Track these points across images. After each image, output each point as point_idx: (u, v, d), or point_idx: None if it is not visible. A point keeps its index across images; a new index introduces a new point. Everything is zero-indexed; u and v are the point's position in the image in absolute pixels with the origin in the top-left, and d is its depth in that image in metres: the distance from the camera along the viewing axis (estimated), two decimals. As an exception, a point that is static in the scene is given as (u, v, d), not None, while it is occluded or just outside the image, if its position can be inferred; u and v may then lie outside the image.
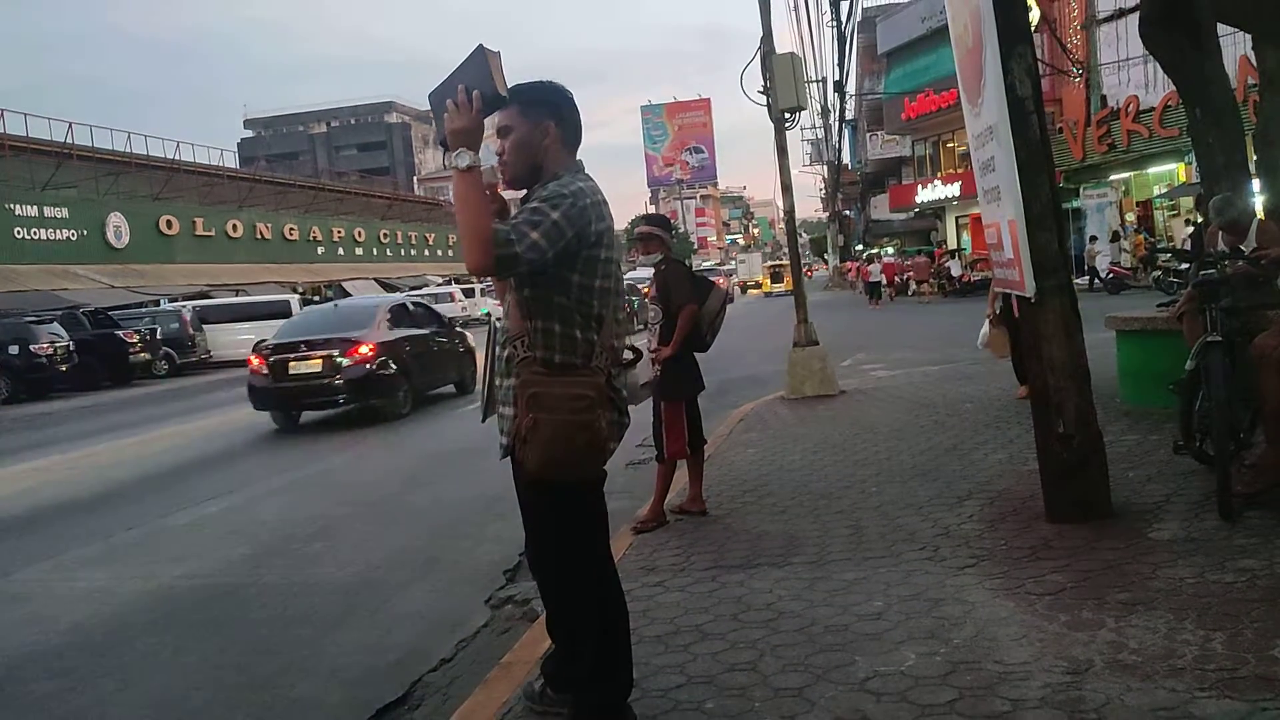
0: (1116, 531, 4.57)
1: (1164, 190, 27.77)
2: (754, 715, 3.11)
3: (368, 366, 12.08)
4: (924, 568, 4.39)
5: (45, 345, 20.92)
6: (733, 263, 73.90)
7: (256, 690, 4.05)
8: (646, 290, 6.00)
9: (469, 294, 37.72)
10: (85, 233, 33.71)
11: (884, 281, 34.34)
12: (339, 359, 11.99)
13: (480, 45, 2.68)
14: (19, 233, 31.08)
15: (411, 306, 14.34)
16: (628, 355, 3.06)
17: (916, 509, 5.41)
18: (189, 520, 7.49)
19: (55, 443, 13.00)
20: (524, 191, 2.91)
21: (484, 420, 3.08)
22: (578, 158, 2.97)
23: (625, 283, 3.34)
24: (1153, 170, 28.35)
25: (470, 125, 2.67)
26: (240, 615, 5.07)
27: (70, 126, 35.35)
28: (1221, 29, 7.59)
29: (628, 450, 8.46)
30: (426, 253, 58.36)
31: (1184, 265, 12.34)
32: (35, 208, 31.94)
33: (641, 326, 6.55)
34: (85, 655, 4.63)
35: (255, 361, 12.44)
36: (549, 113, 2.87)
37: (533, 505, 2.97)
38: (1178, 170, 26.64)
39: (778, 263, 53.98)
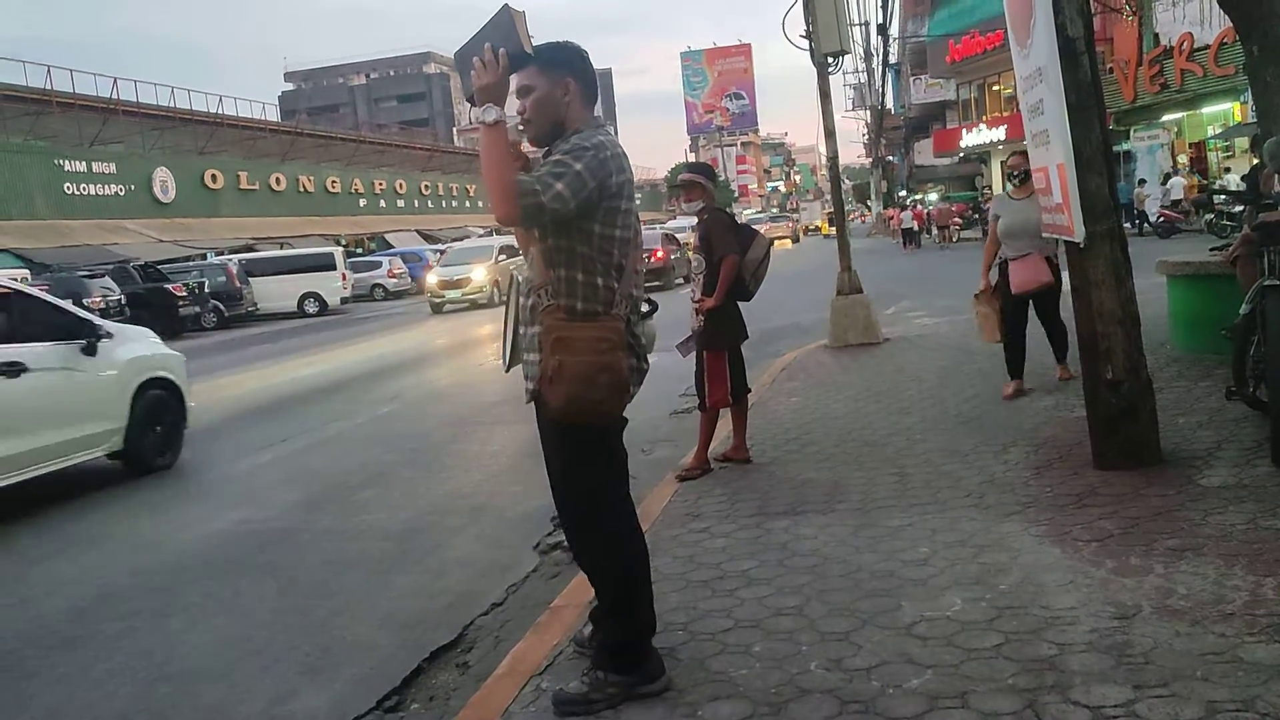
0: (1166, 478, 4.55)
1: (1218, 131, 27.00)
2: (801, 658, 3.16)
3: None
4: (969, 514, 4.40)
5: (97, 299, 21.30)
6: (775, 209, 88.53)
7: (314, 632, 4.18)
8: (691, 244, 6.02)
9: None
10: (133, 187, 34.14)
11: (915, 227, 35.57)
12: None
13: (506, 5, 2.80)
14: (68, 188, 31.56)
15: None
16: (645, 307, 3.19)
17: (961, 456, 5.41)
18: (244, 468, 7.67)
19: (111, 394, 13.30)
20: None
21: (508, 370, 3.22)
22: (598, 113, 3.08)
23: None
24: (1207, 110, 27.55)
25: (497, 81, 2.80)
26: (297, 560, 5.21)
27: (115, 82, 35.72)
28: (1282, -38, 7.33)
29: (671, 399, 8.51)
30: (468, 204, 58.42)
31: (1238, 208, 12.06)
32: (84, 163, 32.38)
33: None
34: (150, 597, 4.80)
35: None
36: (569, 70, 2.97)
37: (555, 447, 3.07)
38: (1233, 110, 25.87)
39: None
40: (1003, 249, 7.00)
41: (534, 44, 2.90)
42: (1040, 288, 6.70)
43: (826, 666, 3.08)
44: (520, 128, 3.03)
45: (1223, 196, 15.61)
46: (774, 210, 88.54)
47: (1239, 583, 3.32)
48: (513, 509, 5.82)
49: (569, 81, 2.95)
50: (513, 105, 2.97)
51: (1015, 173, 7.00)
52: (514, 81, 2.91)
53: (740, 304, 5.82)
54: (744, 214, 60.69)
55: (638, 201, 3.17)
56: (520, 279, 3.12)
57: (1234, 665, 2.78)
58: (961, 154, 43.07)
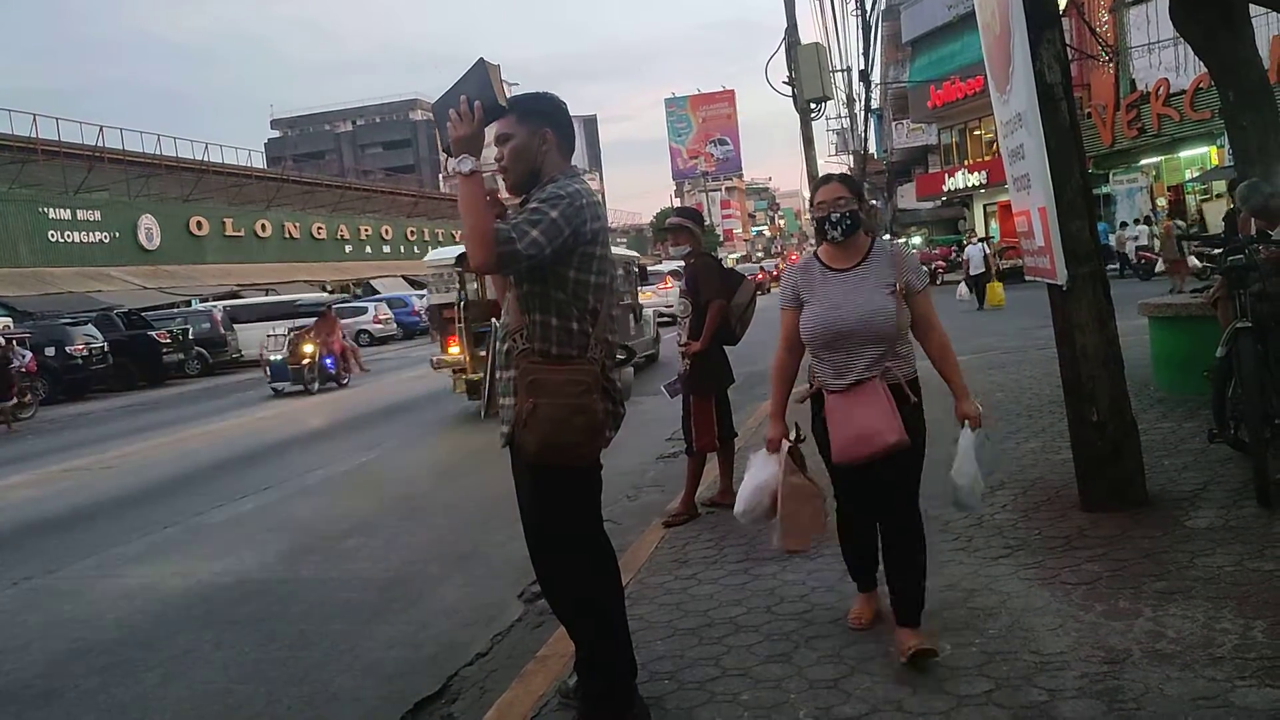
0: (1152, 520, 4.54)
1: (1195, 174, 27.42)
2: (789, 707, 3.13)
3: None
4: (958, 558, 4.38)
5: (80, 346, 21.20)
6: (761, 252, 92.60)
7: (296, 684, 4.11)
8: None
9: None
10: (117, 234, 34.13)
11: None
12: None
13: (481, 59, 2.89)
14: (53, 235, 31.52)
15: None
16: (620, 355, 3.26)
17: (949, 499, 5.37)
18: (226, 517, 7.58)
19: (93, 442, 13.19)
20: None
21: (485, 415, 3.22)
22: (574, 162, 3.16)
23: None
24: (1184, 154, 28.02)
25: (473, 133, 2.86)
26: (279, 610, 5.13)
27: (101, 130, 35.80)
28: (1253, 9, 7.48)
29: (657, 444, 8.48)
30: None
31: (1216, 250, 12.16)
32: (68, 211, 32.36)
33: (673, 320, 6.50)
34: (129, 650, 4.71)
35: None
36: (546, 121, 3.05)
37: (530, 490, 3.10)
38: (1209, 154, 26.31)
39: None
40: (813, 364, 3.57)
41: (515, 93, 3.00)
42: (886, 453, 3.28)
43: (816, 715, 3.05)
44: (496, 175, 3.09)
45: (1194, 239, 15.74)
46: (760, 254, 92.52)
47: (1228, 625, 3.31)
48: (498, 557, 5.76)
49: (546, 131, 3.03)
50: (490, 152, 3.00)
51: (835, 218, 3.39)
52: (493, 129, 2.97)
53: (726, 348, 5.83)
54: (731, 258, 61.24)
55: (624, 245, 3.20)
56: (497, 324, 3.15)
57: (1226, 710, 2.76)
58: (944, 198, 43.53)
